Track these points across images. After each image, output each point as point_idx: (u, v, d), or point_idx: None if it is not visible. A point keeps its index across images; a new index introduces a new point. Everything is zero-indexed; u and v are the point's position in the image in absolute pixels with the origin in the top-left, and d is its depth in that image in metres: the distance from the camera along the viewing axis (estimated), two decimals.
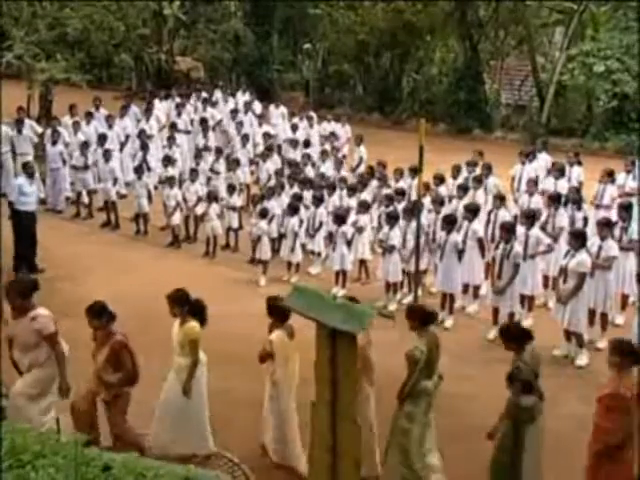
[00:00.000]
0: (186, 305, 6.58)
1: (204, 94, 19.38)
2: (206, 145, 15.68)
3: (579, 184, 12.66)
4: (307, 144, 15.58)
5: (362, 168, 14.88)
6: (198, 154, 14.92)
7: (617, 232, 9.62)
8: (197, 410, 6.58)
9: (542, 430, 6.02)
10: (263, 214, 11.43)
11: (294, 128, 16.65)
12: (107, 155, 13.78)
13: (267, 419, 6.60)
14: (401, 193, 11.49)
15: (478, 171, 12.48)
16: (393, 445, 6.16)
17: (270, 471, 6.50)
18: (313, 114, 18.14)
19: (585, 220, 10.60)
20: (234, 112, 17.47)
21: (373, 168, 13.37)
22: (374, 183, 12.63)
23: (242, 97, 19.83)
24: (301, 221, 11.53)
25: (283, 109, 18.99)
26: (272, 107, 19.20)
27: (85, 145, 14.36)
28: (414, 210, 10.13)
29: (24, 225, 11.05)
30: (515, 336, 6.18)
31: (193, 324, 6.55)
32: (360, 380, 5.87)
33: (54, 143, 14.45)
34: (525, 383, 5.90)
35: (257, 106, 18.87)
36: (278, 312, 6.41)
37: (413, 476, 6.11)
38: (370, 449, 6.23)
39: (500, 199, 10.78)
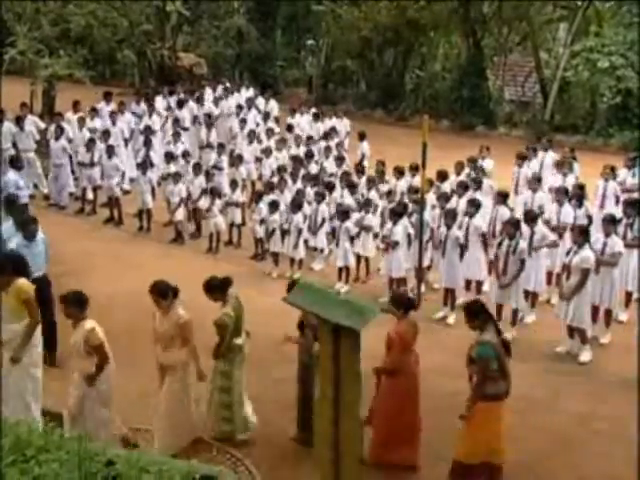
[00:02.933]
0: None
1: (208, 90, 19.38)
2: (208, 142, 15.68)
3: (575, 179, 12.60)
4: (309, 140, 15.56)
5: (365, 164, 14.84)
6: (202, 149, 14.92)
7: (621, 229, 9.59)
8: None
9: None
10: (275, 207, 11.45)
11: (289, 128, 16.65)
12: (110, 151, 13.79)
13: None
14: (389, 193, 11.50)
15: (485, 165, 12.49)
16: (215, 403, 6.75)
17: (274, 466, 6.51)
18: (313, 110, 18.13)
19: (589, 217, 10.57)
20: (238, 108, 17.46)
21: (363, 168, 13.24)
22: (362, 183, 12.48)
23: (245, 93, 19.82)
24: (304, 217, 11.53)
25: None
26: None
27: (91, 141, 14.37)
28: (404, 211, 10.21)
29: None
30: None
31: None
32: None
33: (57, 138, 14.46)
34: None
35: (261, 102, 18.86)
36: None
37: (235, 427, 6.76)
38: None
39: (502, 196, 10.76)
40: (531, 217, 9.72)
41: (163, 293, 6.44)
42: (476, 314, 6.09)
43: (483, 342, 5.94)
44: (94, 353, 6.07)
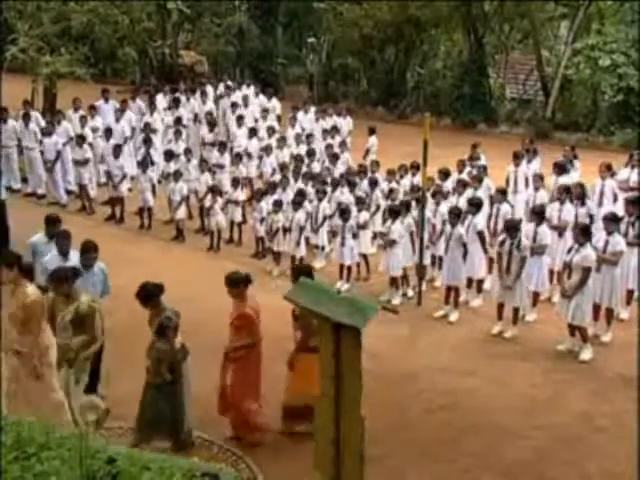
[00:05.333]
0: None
1: (209, 88, 19.36)
2: (209, 140, 15.68)
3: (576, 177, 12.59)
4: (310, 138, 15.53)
5: (373, 157, 14.77)
6: (203, 147, 14.91)
7: (623, 227, 9.57)
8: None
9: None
10: (278, 206, 11.46)
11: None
12: (117, 151, 13.75)
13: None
14: (391, 193, 11.50)
15: (481, 162, 12.44)
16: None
17: (275, 463, 6.51)
18: (313, 108, 18.12)
19: (591, 217, 10.55)
20: (233, 106, 17.43)
21: (365, 167, 13.18)
22: (364, 183, 12.42)
23: (247, 91, 19.80)
24: (306, 215, 11.52)
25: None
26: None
27: (81, 138, 14.35)
28: (402, 210, 10.21)
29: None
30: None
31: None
32: None
33: (49, 134, 14.43)
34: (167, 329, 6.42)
35: (262, 100, 18.83)
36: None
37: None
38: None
39: (502, 193, 10.75)
40: (537, 213, 9.66)
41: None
42: (307, 275, 6.52)
43: None
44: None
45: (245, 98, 18.13)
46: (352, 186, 12.00)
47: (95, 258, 7.33)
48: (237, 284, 6.71)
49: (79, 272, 6.80)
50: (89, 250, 7.28)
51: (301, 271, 6.80)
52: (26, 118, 14.82)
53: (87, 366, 6.61)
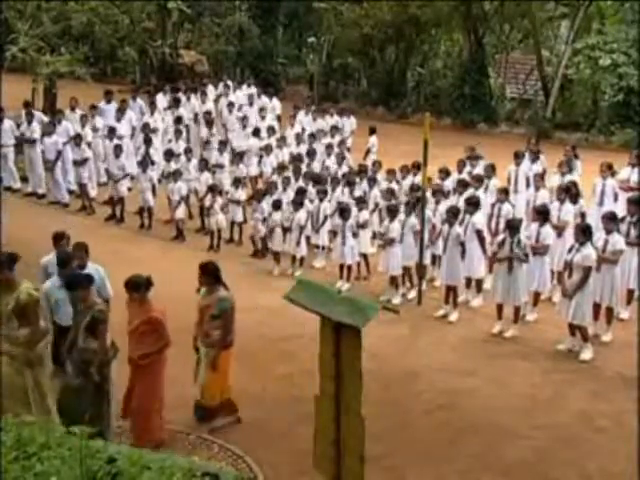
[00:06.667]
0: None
1: (209, 87, 19.37)
2: (209, 139, 15.68)
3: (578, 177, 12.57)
4: (313, 138, 15.54)
5: (374, 157, 14.77)
6: (203, 147, 14.92)
7: (624, 226, 9.56)
8: None
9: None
10: (277, 206, 11.45)
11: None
12: (118, 151, 13.76)
13: None
14: (391, 193, 11.49)
15: (480, 166, 12.40)
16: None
17: (275, 463, 6.51)
18: (313, 107, 18.12)
19: (582, 215, 10.54)
20: (230, 105, 17.43)
21: (366, 167, 13.19)
22: (364, 183, 12.41)
23: (247, 90, 19.81)
24: (306, 215, 11.52)
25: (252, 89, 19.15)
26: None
27: (78, 137, 14.36)
28: (399, 210, 10.22)
29: None
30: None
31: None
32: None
33: (49, 134, 14.45)
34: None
35: (264, 100, 18.83)
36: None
37: None
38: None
39: (504, 192, 10.75)
40: (541, 212, 9.65)
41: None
42: (208, 273, 6.76)
43: (223, 298, 6.72)
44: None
45: (251, 97, 18.18)
46: (352, 186, 12.00)
47: (84, 259, 7.12)
48: (139, 288, 6.43)
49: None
50: (79, 250, 7.16)
51: (207, 269, 6.78)
52: (29, 117, 14.86)
53: (46, 361, 6.35)
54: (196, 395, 6.96)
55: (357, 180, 12.31)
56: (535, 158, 13.12)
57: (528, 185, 12.23)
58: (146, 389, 6.47)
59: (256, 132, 15.29)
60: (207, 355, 6.78)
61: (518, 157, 12.69)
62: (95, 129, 15.22)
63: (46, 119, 15.46)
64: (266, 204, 11.74)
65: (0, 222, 10.56)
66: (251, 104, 17.80)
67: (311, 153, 14.09)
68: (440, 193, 10.78)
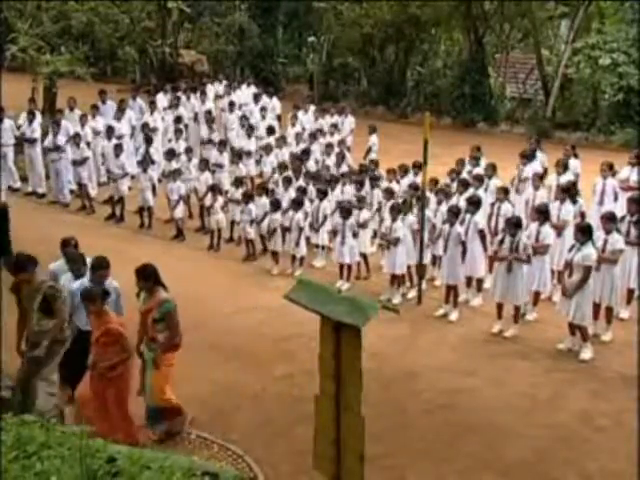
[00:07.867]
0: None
1: (209, 87, 19.36)
2: (210, 138, 15.68)
3: (576, 176, 12.56)
4: (313, 137, 15.52)
5: (374, 156, 14.76)
6: (203, 146, 14.91)
7: (625, 226, 9.55)
8: None
9: None
10: (276, 206, 11.45)
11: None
12: (118, 150, 13.75)
13: None
14: (390, 192, 11.49)
15: (481, 165, 12.39)
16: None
17: (275, 463, 6.51)
18: (313, 107, 18.10)
19: (582, 214, 10.53)
20: (230, 105, 17.41)
21: (367, 167, 13.16)
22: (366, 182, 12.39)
23: (247, 90, 19.79)
24: (306, 214, 11.52)
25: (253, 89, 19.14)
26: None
27: (77, 136, 14.35)
28: (402, 208, 10.19)
29: None
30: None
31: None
32: None
33: (54, 135, 14.45)
34: None
35: (264, 99, 18.82)
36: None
37: None
38: None
39: (504, 192, 10.75)
40: (541, 212, 9.65)
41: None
42: (146, 277, 6.62)
43: (166, 300, 6.61)
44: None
45: (256, 96, 18.18)
46: (359, 185, 11.93)
47: (105, 275, 7.04)
48: (94, 300, 6.43)
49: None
50: (100, 267, 7.05)
51: (145, 273, 6.69)
52: (31, 116, 14.85)
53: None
54: (146, 400, 6.84)
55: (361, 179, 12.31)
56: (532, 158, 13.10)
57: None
58: (117, 400, 6.49)
59: (250, 129, 15.30)
60: (152, 361, 6.71)
61: (524, 157, 12.70)
62: (95, 130, 15.21)
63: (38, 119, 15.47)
64: (254, 206, 11.75)
65: (9, 224, 10.59)
66: (256, 102, 17.79)
67: (307, 152, 14.07)
68: (442, 193, 10.74)
